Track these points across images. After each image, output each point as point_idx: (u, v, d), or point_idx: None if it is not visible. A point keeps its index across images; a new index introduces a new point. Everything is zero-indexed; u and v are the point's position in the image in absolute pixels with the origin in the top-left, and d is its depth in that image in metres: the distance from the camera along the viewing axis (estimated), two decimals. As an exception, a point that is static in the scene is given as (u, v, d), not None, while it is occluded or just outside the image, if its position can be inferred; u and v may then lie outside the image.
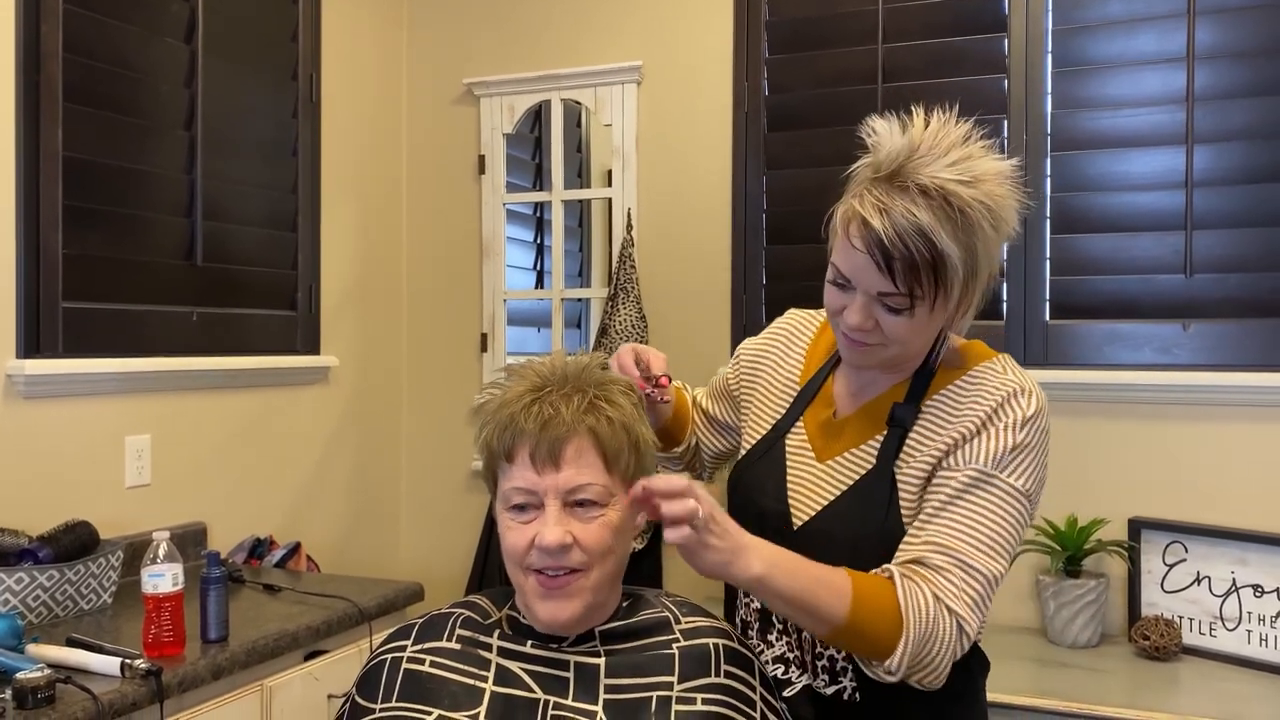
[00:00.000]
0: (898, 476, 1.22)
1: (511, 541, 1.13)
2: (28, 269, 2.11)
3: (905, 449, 1.22)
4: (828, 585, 1.11)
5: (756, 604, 1.31)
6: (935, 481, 1.19)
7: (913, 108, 1.20)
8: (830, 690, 1.25)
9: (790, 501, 1.28)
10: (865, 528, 1.21)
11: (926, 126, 1.17)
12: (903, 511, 1.21)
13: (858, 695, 1.23)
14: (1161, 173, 2.42)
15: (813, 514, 1.26)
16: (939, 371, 1.26)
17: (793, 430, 1.33)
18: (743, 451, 1.39)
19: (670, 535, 1.04)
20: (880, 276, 1.14)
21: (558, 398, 1.13)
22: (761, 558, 1.08)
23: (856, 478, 1.24)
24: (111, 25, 2.29)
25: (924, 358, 1.26)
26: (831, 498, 1.25)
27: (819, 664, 1.25)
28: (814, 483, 1.28)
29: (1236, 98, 2.36)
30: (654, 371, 1.34)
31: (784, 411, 1.35)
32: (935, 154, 1.14)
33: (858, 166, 1.21)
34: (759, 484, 1.32)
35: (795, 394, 1.36)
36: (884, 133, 1.18)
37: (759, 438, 1.36)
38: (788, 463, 1.30)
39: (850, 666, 1.23)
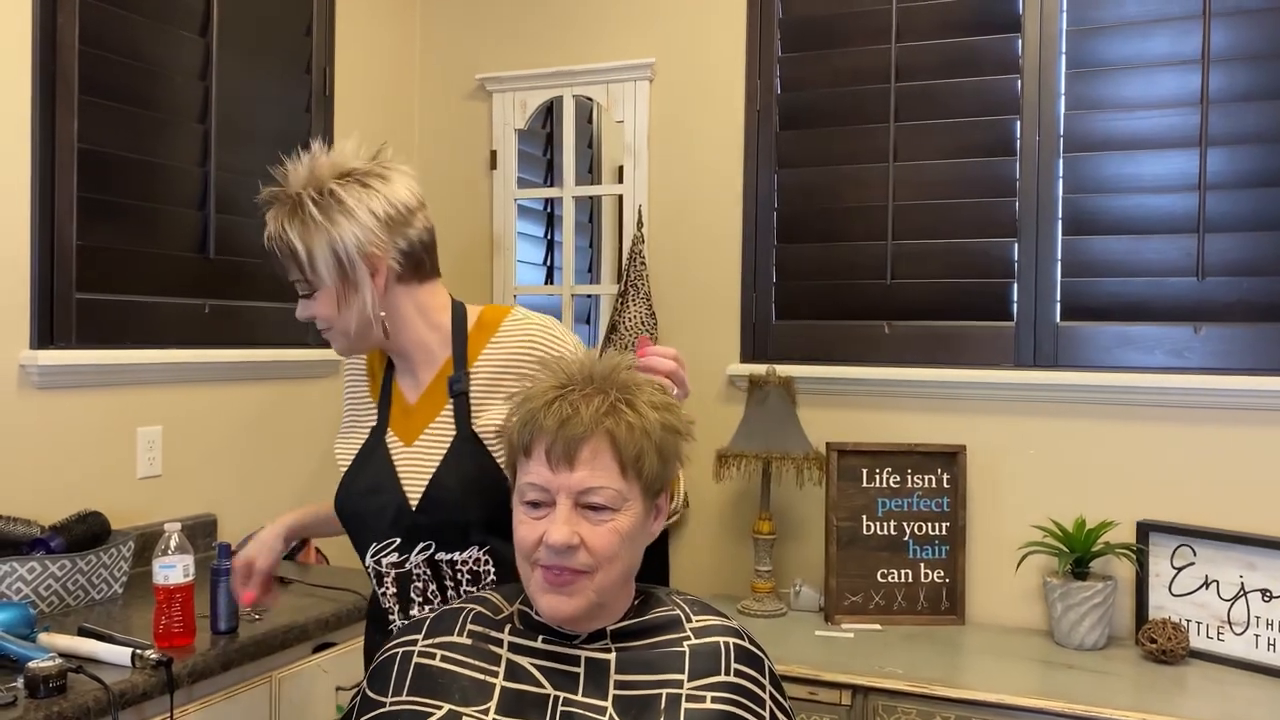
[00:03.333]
0: (479, 433, 1.40)
1: (522, 535, 1.14)
2: (42, 260, 2.12)
3: (474, 407, 1.41)
4: None
5: (392, 590, 1.45)
6: None
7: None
8: None
9: (404, 489, 1.43)
10: (470, 484, 1.38)
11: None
12: (495, 458, 1.38)
13: None
14: (1174, 175, 2.41)
15: (422, 490, 1.41)
16: (471, 337, 1.45)
17: (387, 432, 1.48)
18: (341, 471, 1.52)
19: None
20: (283, 269, 1.42)
21: (579, 397, 1.13)
22: None
23: (446, 446, 1.41)
24: (127, 18, 2.29)
25: (449, 335, 1.45)
26: (431, 470, 1.41)
27: None
28: (412, 464, 1.44)
29: (1251, 101, 2.35)
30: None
31: (374, 422, 1.50)
32: (300, 169, 1.40)
33: None
34: (373, 483, 1.45)
35: (374, 406, 1.51)
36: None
37: (358, 449, 1.50)
38: (392, 457, 1.45)
39: None
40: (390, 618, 1.47)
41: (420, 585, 1.43)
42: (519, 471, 1.16)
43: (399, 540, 1.42)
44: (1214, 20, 2.37)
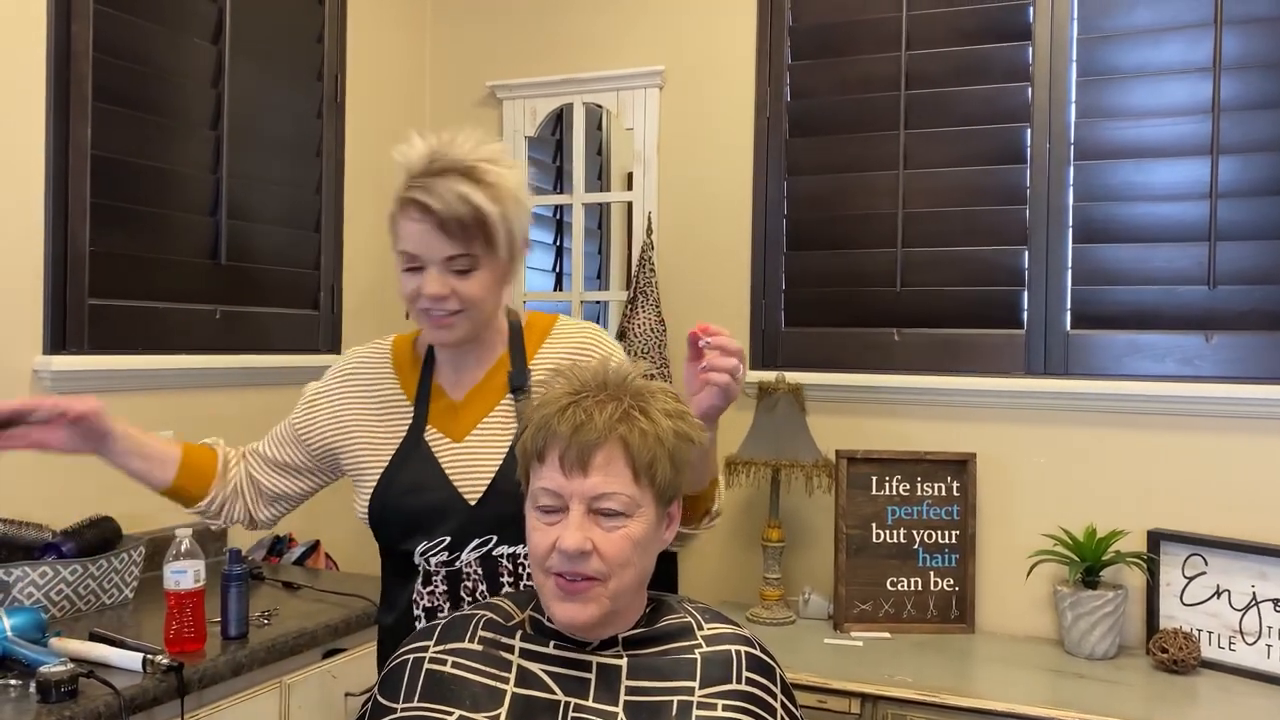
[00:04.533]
0: None
1: (535, 542, 1.14)
2: (55, 265, 2.13)
3: None
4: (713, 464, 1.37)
5: (442, 588, 1.42)
6: None
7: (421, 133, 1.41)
8: None
9: (455, 484, 1.41)
10: None
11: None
12: None
13: None
14: (1186, 183, 2.41)
15: (486, 484, 1.40)
16: (526, 338, 1.48)
17: (426, 429, 1.45)
18: (368, 472, 1.47)
19: (719, 377, 1.27)
20: (442, 241, 1.33)
21: (592, 404, 1.13)
22: None
23: (507, 440, 1.41)
24: (141, 25, 2.31)
25: (505, 334, 1.48)
26: (495, 465, 1.41)
27: None
28: (465, 461, 1.42)
29: (1263, 109, 2.35)
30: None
31: (409, 420, 1.46)
32: (457, 145, 1.36)
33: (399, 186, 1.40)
34: (416, 481, 1.42)
35: (410, 404, 1.47)
36: (406, 147, 1.38)
37: (393, 448, 1.46)
38: (436, 455, 1.43)
39: None
40: (440, 616, 1.44)
41: (470, 585, 1.41)
42: (532, 477, 1.16)
43: (448, 539, 1.41)
44: (1225, 28, 2.37)
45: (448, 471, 1.42)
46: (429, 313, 1.37)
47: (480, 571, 1.41)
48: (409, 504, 1.42)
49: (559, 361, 1.43)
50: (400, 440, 1.45)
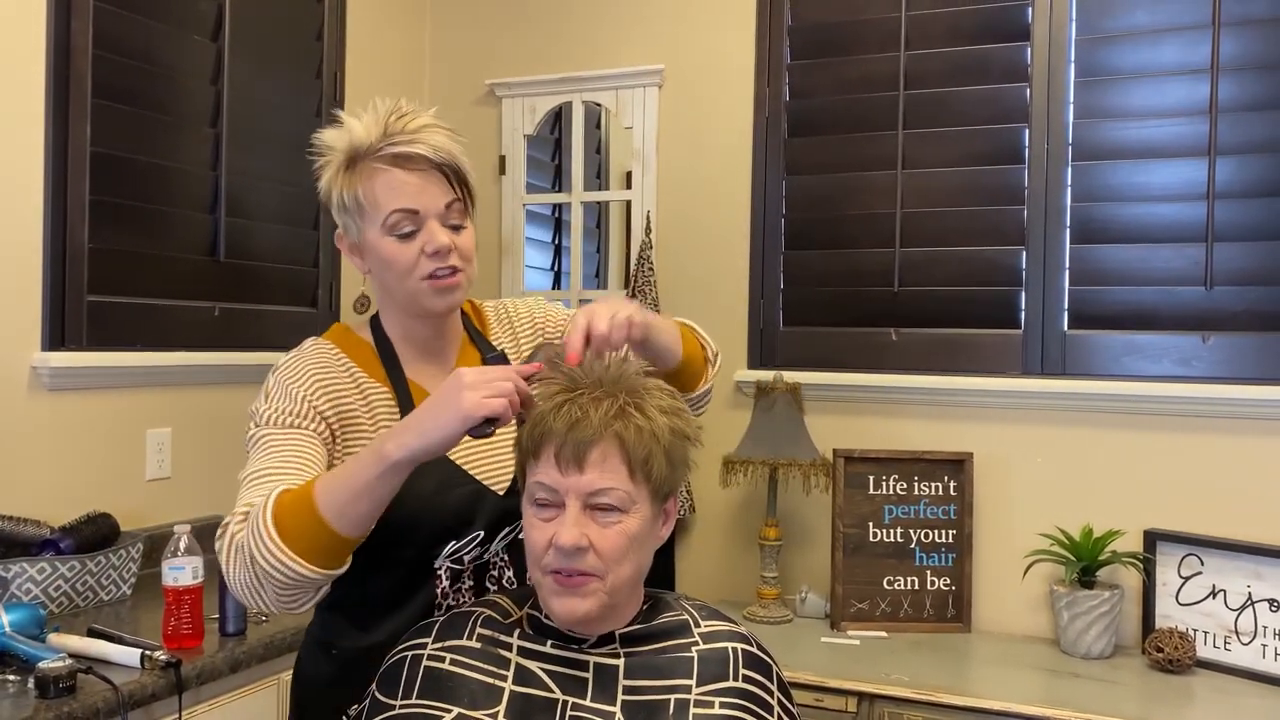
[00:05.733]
0: None
1: (532, 540, 1.14)
2: (54, 262, 2.14)
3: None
4: (673, 331, 1.38)
5: (469, 584, 1.35)
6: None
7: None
8: None
9: (479, 478, 1.34)
10: None
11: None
12: None
13: None
14: (1183, 184, 2.41)
15: (510, 471, 1.35)
16: (474, 319, 1.48)
17: None
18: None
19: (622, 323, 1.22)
20: (441, 187, 1.32)
21: (588, 400, 1.13)
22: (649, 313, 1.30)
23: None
24: (140, 22, 2.31)
25: (466, 320, 1.47)
26: (510, 449, 1.31)
27: None
28: (477, 452, 1.35)
29: (1260, 110, 2.35)
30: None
31: (397, 420, 1.32)
32: (411, 111, 1.38)
33: (329, 159, 1.40)
34: (440, 481, 1.31)
35: (396, 400, 1.35)
36: (343, 128, 1.39)
37: None
38: (448, 452, 1.31)
39: None
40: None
41: (496, 574, 1.36)
42: (528, 473, 1.16)
43: (481, 534, 1.33)
44: (1223, 30, 2.38)
45: (464, 465, 1.34)
46: (434, 275, 1.30)
47: (506, 557, 1.36)
48: (437, 504, 1.31)
49: (507, 335, 1.47)
50: None
